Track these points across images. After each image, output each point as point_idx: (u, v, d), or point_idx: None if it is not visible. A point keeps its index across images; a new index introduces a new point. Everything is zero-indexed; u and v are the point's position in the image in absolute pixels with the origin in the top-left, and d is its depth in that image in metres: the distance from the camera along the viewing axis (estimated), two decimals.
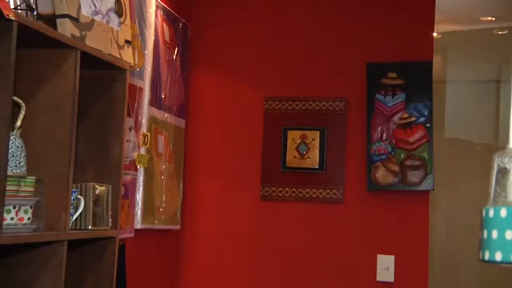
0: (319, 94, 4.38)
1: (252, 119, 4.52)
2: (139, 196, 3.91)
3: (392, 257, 4.16)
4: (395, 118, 4.18)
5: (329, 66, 4.40)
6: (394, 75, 4.22)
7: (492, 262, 1.21)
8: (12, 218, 2.10)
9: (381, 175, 4.16)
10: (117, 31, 2.72)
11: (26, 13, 2.30)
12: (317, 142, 4.37)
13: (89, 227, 2.56)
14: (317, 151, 4.36)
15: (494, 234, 1.20)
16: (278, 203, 4.42)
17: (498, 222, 1.20)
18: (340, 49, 4.39)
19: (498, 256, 1.18)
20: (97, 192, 2.58)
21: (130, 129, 3.74)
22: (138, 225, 3.89)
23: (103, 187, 2.62)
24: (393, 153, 4.16)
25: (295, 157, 4.41)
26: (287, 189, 4.40)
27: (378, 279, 4.17)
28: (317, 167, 4.36)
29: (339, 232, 4.29)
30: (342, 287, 4.26)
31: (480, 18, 5.20)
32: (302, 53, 4.48)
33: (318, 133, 4.37)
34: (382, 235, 4.20)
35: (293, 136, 4.41)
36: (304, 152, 4.39)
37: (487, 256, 1.22)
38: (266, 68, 4.53)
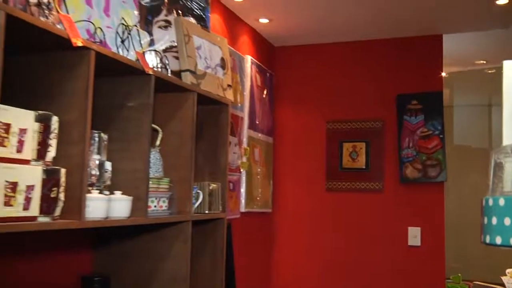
0: (364, 117, 4.49)
1: (318, 136, 4.65)
2: (243, 190, 4.05)
3: (419, 228, 4.26)
4: (418, 132, 4.30)
5: (370, 98, 4.49)
6: (416, 102, 4.34)
7: (493, 245, 1.11)
8: (155, 206, 2.18)
9: (409, 171, 4.30)
10: (222, 79, 2.73)
11: (162, 70, 2.33)
12: (363, 150, 4.48)
13: (206, 211, 2.57)
14: (364, 156, 4.48)
15: (494, 220, 1.10)
16: (338, 193, 4.54)
17: (497, 210, 1.09)
18: (378, 85, 4.47)
19: (498, 240, 1.08)
20: (210, 188, 2.58)
21: (235, 145, 3.90)
22: (242, 209, 4.04)
23: (215, 184, 2.62)
24: (417, 156, 4.28)
25: (348, 161, 4.51)
26: (344, 183, 4.52)
27: (409, 244, 4.27)
28: (364, 167, 4.48)
29: (380, 212, 4.40)
30: (385, 250, 4.32)
31: (475, 62, 5.16)
32: (352, 89, 4.56)
33: (364, 144, 4.49)
34: (411, 213, 4.30)
35: (347, 147, 4.53)
36: (355, 157, 4.51)
37: (488, 239, 1.13)
38: (327, 100, 4.64)
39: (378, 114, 4.49)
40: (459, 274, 4.73)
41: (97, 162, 1.93)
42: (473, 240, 5.49)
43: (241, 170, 4.02)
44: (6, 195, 1.46)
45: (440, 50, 4.35)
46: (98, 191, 1.89)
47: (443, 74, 4.38)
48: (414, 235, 4.27)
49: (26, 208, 1.52)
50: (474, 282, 4.75)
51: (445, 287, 4.19)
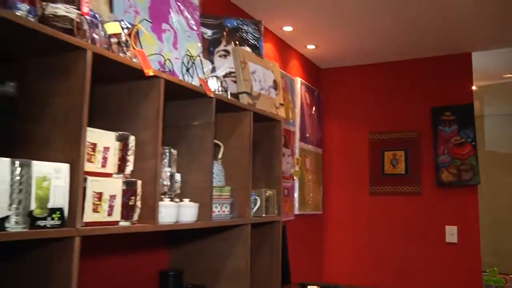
0: (403, 128, 4.43)
1: (361, 146, 4.61)
2: (296, 195, 4.05)
3: (455, 227, 4.16)
4: (452, 140, 4.21)
5: (408, 111, 4.43)
6: (449, 113, 4.25)
7: None
8: (218, 211, 2.18)
9: (445, 176, 4.20)
10: (275, 99, 2.72)
11: (222, 93, 2.32)
12: (403, 158, 4.40)
13: (263, 215, 2.52)
14: (403, 163, 4.40)
15: None
16: (380, 196, 4.47)
17: None
18: (414, 100, 4.41)
19: None
20: (267, 194, 2.56)
21: (288, 155, 3.92)
22: (296, 211, 4.04)
23: (271, 191, 2.61)
24: (452, 162, 4.18)
25: (389, 167, 4.45)
26: (385, 187, 4.45)
27: (447, 241, 4.18)
28: (404, 173, 4.39)
29: (419, 213, 4.30)
30: (424, 247, 4.23)
31: (503, 75, 5.04)
32: (391, 103, 4.51)
33: (403, 152, 4.41)
34: (447, 214, 4.20)
35: (388, 155, 4.47)
36: (395, 164, 4.43)
37: None
38: (369, 114, 4.60)
39: (415, 125, 4.41)
40: (495, 268, 4.58)
41: (168, 174, 1.96)
42: (508, 236, 5.37)
43: (294, 177, 4.03)
44: (94, 203, 1.51)
45: (469, 67, 4.26)
46: (169, 199, 1.92)
47: (474, 87, 4.26)
48: (451, 233, 4.16)
49: (110, 214, 1.57)
50: (510, 275, 4.61)
51: (482, 280, 4.06)
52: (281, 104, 2.78)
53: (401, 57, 4.51)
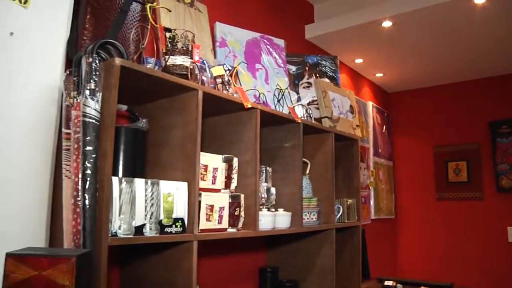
0: (464, 141, 4.22)
1: (427, 158, 4.43)
2: (372, 202, 3.96)
3: None
4: (509, 150, 3.95)
5: (468, 125, 4.23)
6: (505, 126, 4.01)
7: None
8: (307, 218, 2.15)
9: (504, 182, 3.96)
10: (352, 121, 2.68)
11: (307, 118, 2.30)
12: (465, 167, 4.19)
13: (345, 221, 2.47)
14: (465, 172, 4.19)
15: None
16: (446, 201, 4.27)
17: None
18: (474, 115, 4.21)
19: None
20: (348, 203, 2.50)
21: (364, 168, 3.85)
22: (372, 216, 3.95)
23: (351, 200, 2.54)
24: (510, 169, 3.91)
25: (453, 176, 4.24)
26: (450, 193, 4.25)
27: (509, 240, 3.91)
28: (466, 180, 4.18)
29: (482, 215, 4.08)
30: (488, 246, 3.99)
31: None
32: (453, 119, 4.33)
33: (465, 162, 4.20)
34: (509, 215, 3.93)
35: (451, 165, 4.27)
36: (458, 173, 4.23)
37: None
38: (433, 129, 4.43)
39: (475, 138, 4.20)
40: None
41: (265, 188, 1.97)
42: None
43: (370, 187, 3.95)
44: (207, 214, 1.56)
45: None
46: (266, 209, 1.93)
47: None
48: None
49: (219, 222, 1.61)
50: None
51: None
52: (357, 126, 2.73)
53: (460, 79, 4.31)
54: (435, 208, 4.34)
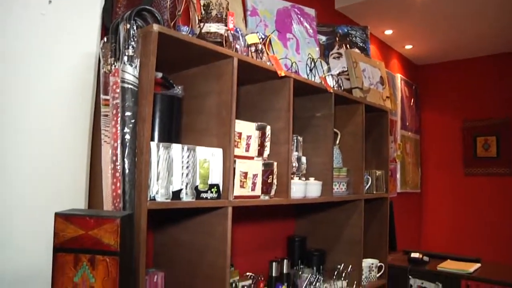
0: (493, 115, 4.13)
1: (455, 132, 4.36)
2: (398, 175, 3.93)
3: None
4: None
5: (498, 99, 4.13)
6: None
7: None
8: (337, 188, 2.15)
9: None
10: (382, 92, 2.62)
11: (338, 89, 2.28)
12: (494, 143, 4.11)
13: (374, 192, 2.45)
14: (494, 147, 4.10)
15: None
16: (474, 177, 4.22)
17: None
18: (503, 90, 4.10)
19: None
20: (377, 174, 2.48)
21: (391, 141, 3.81)
22: (398, 190, 3.93)
23: (380, 172, 2.52)
24: None
25: (481, 151, 4.18)
26: (478, 169, 4.19)
27: None
28: (495, 156, 4.10)
29: (510, 191, 4.00)
30: None
31: None
32: (482, 93, 4.23)
33: (494, 137, 4.12)
34: None
35: (480, 140, 4.20)
36: (487, 148, 4.15)
37: None
38: (462, 103, 4.34)
39: (505, 112, 4.09)
40: None
41: (296, 157, 1.98)
42: None
43: (397, 160, 3.91)
44: (241, 181, 1.57)
45: None
46: (298, 177, 1.94)
47: None
48: None
49: (253, 189, 1.62)
50: None
51: None
52: (387, 97, 2.69)
53: (491, 52, 4.18)
54: (462, 183, 4.28)
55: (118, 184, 1.29)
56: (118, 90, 1.33)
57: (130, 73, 1.30)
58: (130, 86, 1.30)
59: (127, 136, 1.29)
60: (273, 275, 1.98)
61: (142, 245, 1.22)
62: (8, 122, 1.30)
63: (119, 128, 1.31)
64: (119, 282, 1.03)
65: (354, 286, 2.26)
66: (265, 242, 2.33)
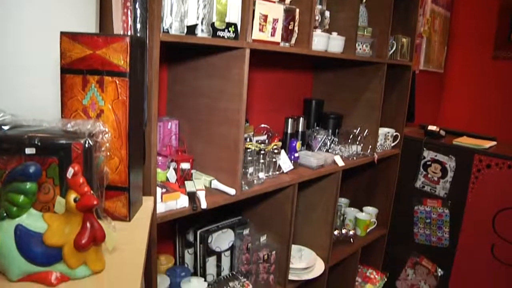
0: None
1: (491, 9, 3.91)
2: (423, 50, 3.69)
3: None
4: None
5: None
6: None
7: None
8: (360, 48, 2.00)
9: None
10: None
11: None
12: None
13: (398, 58, 2.30)
14: None
15: None
16: (502, 61, 3.88)
17: None
18: None
19: None
20: (402, 40, 2.29)
21: (420, 15, 3.51)
22: (421, 67, 3.71)
23: (405, 38, 2.34)
24: None
25: None
26: (509, 53, 3.86)
27: None
28: None
29: None
30: None
31: None
32: None
33: None
34: None
35: None
36: None
37: None
38: None
39: None
40: None
41: (319, 10, 1.84)
42: None
43: (423, 36, 3.67)
44: (260, 24, 1.46)
45: None
46: (320, 30, 1.82)
47: None
48: None
49: (273, 35, 1.52)
50: None
51: None
52: None
53: None
54: (489, 66, 4.03)
55: (129, 13, 1.20)
56: None
57: None
58: None
59: None
60: (289, 132, 1.96)
61: (155, 76, 1.17)
62: None
63: None
64: (129, 105, 0.99)
65: (369, 151, 2.25)
66: (281, 102, 2.27)
